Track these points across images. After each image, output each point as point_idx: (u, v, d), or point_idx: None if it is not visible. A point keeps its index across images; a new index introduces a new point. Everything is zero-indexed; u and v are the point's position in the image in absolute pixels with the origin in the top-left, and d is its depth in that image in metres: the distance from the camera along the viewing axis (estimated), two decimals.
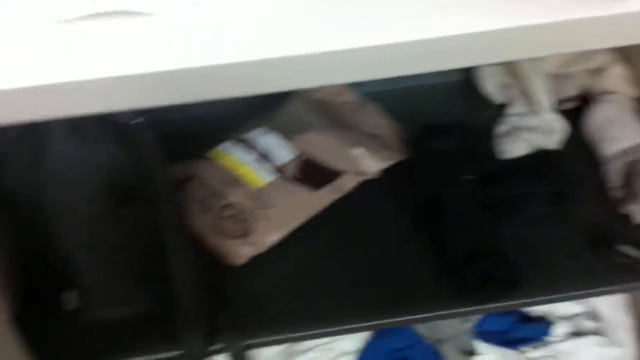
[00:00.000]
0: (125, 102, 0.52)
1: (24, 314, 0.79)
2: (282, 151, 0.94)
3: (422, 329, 1.18)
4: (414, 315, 0.86)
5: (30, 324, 0.75)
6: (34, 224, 0.72)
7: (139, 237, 0.76)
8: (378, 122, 1.00)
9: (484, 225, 0.87)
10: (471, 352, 1.17)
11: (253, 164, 0.92)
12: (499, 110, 1.02)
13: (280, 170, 0.92)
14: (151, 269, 0.80)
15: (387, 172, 0.95)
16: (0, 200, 0.71)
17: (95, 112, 0.52)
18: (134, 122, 0.66)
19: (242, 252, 0.86)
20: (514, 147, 0.97)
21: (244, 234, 0.87)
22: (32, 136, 0.66)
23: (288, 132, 0.96)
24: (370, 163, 0.94)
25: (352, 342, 1.19)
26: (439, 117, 0.98)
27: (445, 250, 0.86)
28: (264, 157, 0.93)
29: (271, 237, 0.88)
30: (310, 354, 1.17)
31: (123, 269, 0.79)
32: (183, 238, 0.73)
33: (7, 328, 0.69)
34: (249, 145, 0.94)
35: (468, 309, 0.87)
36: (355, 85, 1.05)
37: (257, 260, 0.88)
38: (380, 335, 1.19)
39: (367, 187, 0.94)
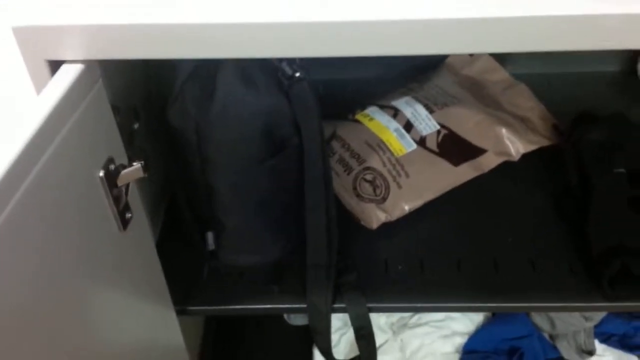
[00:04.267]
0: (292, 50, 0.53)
1: (165, 245, 0.84)
2: (427, 122, 0.93)
3: (539, 322, 1.15)
4: (539, 303, 0.83)
5: (169, 256, 0.79)
6: (188, 161, 0.75)
7: (282, 188, 0.79)
8: (528, 104, 0.97)
9: (629, 221, 0.83)
10: (589, 352, 1.13)
11: (396, 131, 0.92)
12: None
13: (422, 141, 0.92)
14: (288, 221, 0.83)
15: (531, 156, 0.92)
16: (162, 133, 0.75)
17: (265, 56, 0.53)
18: (298, 74, 0.68)
19: (377, 216, 0.87)
20: None
21: (381, 200, 0.87)
22: (203, 77, 0.69)
23: (433, 104, 0.95)
24: (514, 145, 0.92)
25: (465, 323, 1.18)
26: (595, 107, 0.94)
27: (584, 242, 0.83)
28: (408, 126, 0.92)
29: (405, 206, 0.88)
30: (422, 329, 1.17)
31: (262, 218, 0.81)
32: (327, 193, 0.75)
33: (154, 253, 0.73)
34: (395, 113, 0.94)
35: (598, 304, 0.82)
36: (509, 65, 1.03)
37: (388, 226, 0.88)
38: (494, 322, 1.17)
39: (508, 168, 0.92)
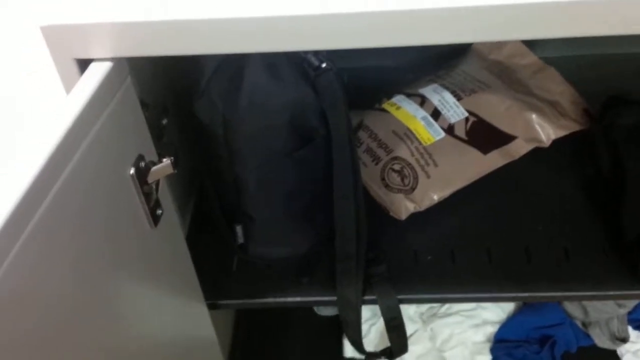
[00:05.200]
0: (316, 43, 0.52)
1: (194, 238, 0.84)
2: (454, 109, 0.91)
3: (571, 309, 1.14)
4: (573, 292, 0.81)
5: (199, 249, 0.79)
6: (216, 155, 0.75)
7: (310, 179, 0.78)
8: (558, 88, 0.95)
9: None
10: (623, 339, 1.11)
11: (424, 119, 0.91)
12: None
13: (450, 128, 0.90)
14: (316, 213, 0.82)
15: (562, 141, 0.90)
16: (189, 127, 0.75)
17: (291, 49, 0.53)
18: (325, 65, 0.68)
19: (406, 207, 0.86)
20: None
21: (410, 190, 0.86)
22: (229, 71, 0.69)
23: (461, 91, 0.94)
24: (545, 130, 0.90)
25: (496, 312, 1.17)
26: (625, 89, 0.92)
27: (618, 229, 0.81)
28: (436, 114, 0.91)
29: (434, 196, 0.87)
30: (452, 319, 1.16)
31: (291, 210, 0.81)
32: (355, 183, 0.74)
33: (185, 248, 0.73)
34: (422, 101, 0.93)
35: (635, 292, 0.81)
36: (538, 49, 1.01)
37: (417, 216, 0.87)
38: (526, 310, 1.16)
39: (540, 155, 0.91)
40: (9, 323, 0.41)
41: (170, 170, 0.60)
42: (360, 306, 0.83)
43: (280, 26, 0.50)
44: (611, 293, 0.80)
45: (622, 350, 1.13)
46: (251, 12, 0.50)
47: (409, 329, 1.16)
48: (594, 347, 1.14)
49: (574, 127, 0.91)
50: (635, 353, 1.12)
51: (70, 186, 0.47)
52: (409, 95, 0.94)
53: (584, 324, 1.15)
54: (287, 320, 1.29)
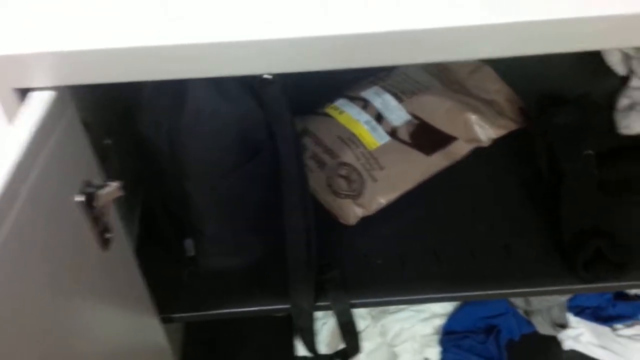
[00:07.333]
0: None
1: (144, 252, 0.83)
2: (397, 113, 0.93)
3: (514, 299, 1.17)
4: (516, 289, 0.84)
5: (149, 263, 0.78)
6: (162, 171, 0.74)
7: (258, 190, 0.78)
8: (495, 87, 0.97)
9: (600, 204, 0.85)
10: (563, 325, 1.16)
11: (368, 123, 0.92)
12: (621, 83, 0.99)
13: (393, 132, 0.92)
14: (267, 223, 0.82)
15: (502, 140, 0.93)
16: (134, 142, 0.73)
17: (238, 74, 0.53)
18: (266, 77, 0.67)
19: (354, 212, 0.87)
20: (635, 123, 0.94)
21: (357, 195, 0.87)
22: (172, 86, 0.68)
23: (402, 93, 0.95)
24: (485, 130, 0.92)
25: (443, 305, 1.20)
26: (559, 87, 0.95)
27: (557, 226, 0.84)
28: (379, 117, 0.92)
29: (381, 200, 0.88)
30: (402, 314, 1.18)
31: (240, 221, 0.81)
32: (303, 194, 0.74)
33: (135, 268, 0.72)
34: (364, 104, 0.94)
35: (573, 287, 0.84)
36: None
37: (366, 220, 0.89)
38: (471, 302, 1.19)
39: (480, 154, 0.93)
40: None
41: (118, 194, 0.59)
42: (314, 313, 0.83)
43: (222, 52, 0.50)
44: (552, 289, 0.83)
45: (563, 335, 1.18)
46: (192, 38, 0.49)
47: (359, 325, 1.17)
48: (536, 334, 1.19)
49: (512, 126, 0.94)
50: (575, 338, 1.17)
51: (19, 218, 0.45)
52: (351, 99, 0.95)
53: (526, 312, 1.19)
54: (238, 318, 1.28)
